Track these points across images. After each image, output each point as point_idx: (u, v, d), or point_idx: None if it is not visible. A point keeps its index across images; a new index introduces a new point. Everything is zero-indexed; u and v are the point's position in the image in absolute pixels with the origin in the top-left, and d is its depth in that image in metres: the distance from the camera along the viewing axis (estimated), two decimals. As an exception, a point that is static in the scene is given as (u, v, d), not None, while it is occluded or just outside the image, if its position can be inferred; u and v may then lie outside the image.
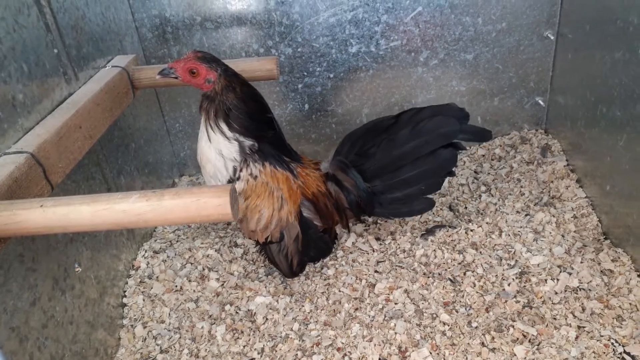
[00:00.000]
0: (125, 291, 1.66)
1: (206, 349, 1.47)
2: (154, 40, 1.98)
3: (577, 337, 1.38)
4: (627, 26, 1.50)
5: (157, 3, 1.91)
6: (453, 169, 1.62)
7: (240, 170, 1.47)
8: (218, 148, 1.45)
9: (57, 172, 1.19)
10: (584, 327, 1.40)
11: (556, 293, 1.51)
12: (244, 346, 1.47)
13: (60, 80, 1.38)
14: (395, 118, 1.57)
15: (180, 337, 1.52)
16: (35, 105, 1.25)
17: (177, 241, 1.88)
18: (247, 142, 1.45)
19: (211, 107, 1.42)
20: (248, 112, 1.43)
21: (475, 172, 2.11)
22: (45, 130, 1.19)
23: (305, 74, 2.08)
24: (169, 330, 1.54)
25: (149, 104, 2.01)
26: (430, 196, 1.67)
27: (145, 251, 1.81)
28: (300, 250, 1.59)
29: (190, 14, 1.94)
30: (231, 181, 1.47)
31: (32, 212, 0.93)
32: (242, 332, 1.51)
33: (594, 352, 1.33)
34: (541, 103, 2.21)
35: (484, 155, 2.21)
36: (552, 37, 2.05)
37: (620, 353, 1.32)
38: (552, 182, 1.96)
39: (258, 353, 1.45)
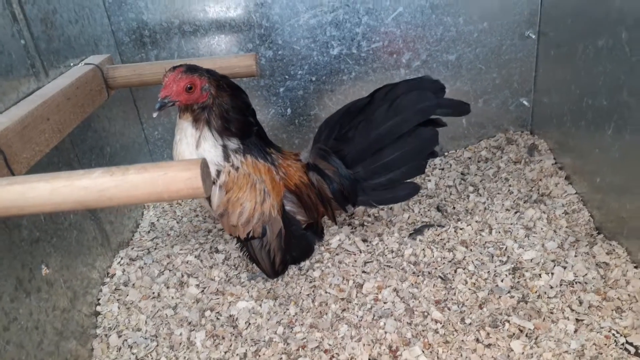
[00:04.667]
0: (99, 299, 1.56)
1: (185, 356, 1.38)
2: (131, 44, 1.93)
3: (576, 330, 1.31)
4: (609, 11, 1.49)
5: (134, 6, 1.87)
6: (435, 150, 1.53)
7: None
8: (202, 155, 1.36)
9: (21, 162, 1.11)
10: (582, 319, 1.34)
11: (551, 287, 1.45)
12: (225, 352, 1.38)
13: (27, 72, 1.32)
14: (370, 97, 1.50)
15: (157, 345, 1.42)
16: (-1, 95, 1.19)
17: (155, 248, 1.79)
18: (233, 146, 1.39)
19: (211, 115, 1.34)
20: (239, 108, 1.38)
21: (462, 173, 2.06)
22: (7, 119, 1.12)
23: (287, 77, 2.04)
24: (146, 338, 1.44)
25: (126, 110, 1.95)
26: (414, 181, 1.58)
27: (121, 258, 1.71)
28: (283, 247, 1.51)
29: (168, 17, 1.90)
30: (213, 183, 1.39)
31: (-15, 192, 0.85)
32: (223, 337, 1.42)
33: (594, 344, 1.26)
34: (526, 104, 2.19)
35: (470, 158, 2.16)
36: (533, 37, 2.04)
37: (623, 344, 1.26)
38: (540, 180, 1.92)
39: (240, 358, 1.35)
